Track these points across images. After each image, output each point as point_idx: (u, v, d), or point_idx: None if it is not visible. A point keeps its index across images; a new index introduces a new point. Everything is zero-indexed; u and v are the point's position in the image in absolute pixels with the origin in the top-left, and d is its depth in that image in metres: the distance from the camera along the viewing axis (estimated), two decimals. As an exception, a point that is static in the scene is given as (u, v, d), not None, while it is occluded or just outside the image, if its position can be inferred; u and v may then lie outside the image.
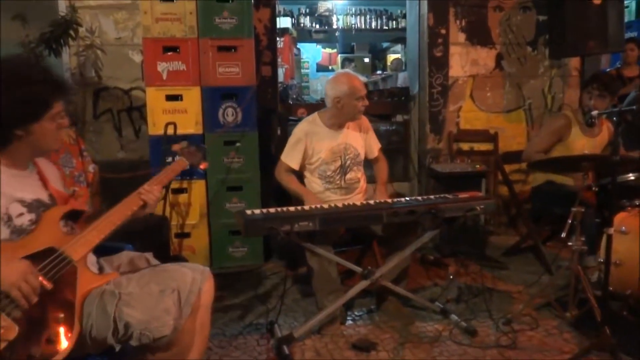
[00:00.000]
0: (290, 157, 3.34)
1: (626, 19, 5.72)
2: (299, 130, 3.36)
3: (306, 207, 2.91)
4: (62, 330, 1.64)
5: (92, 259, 1.89)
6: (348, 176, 3.34)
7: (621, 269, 2.82)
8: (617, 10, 4.42)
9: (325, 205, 2.96)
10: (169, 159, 3.69)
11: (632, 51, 5.31)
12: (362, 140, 3.43)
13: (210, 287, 2.05)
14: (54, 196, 1.91)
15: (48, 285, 1.63)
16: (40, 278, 1.62)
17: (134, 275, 1.86)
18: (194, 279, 1.88)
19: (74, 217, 1.91)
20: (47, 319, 1.63)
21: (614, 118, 2.63)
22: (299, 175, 3.42)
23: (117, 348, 1.75)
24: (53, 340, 1.61)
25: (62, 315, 1.66)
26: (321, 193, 3.35)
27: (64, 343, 1.62)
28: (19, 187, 1.79)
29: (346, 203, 3.03)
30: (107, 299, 1.75)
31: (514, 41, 5.08)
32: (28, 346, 1.56)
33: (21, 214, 1.75)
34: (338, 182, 3.33)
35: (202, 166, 2.40)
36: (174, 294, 1.79)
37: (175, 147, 2.37)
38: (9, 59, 1.85)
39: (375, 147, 3.52)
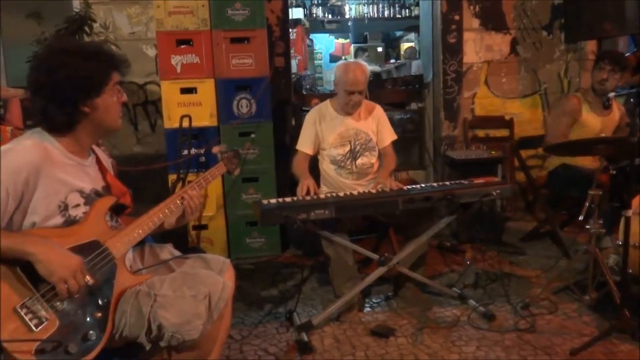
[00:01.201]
0: (303, 143, 3.37)
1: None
2: (309, 116, 3.42)
3: (322, 196, 2.93)
4: (98, 328, 1.68)
5: (129, 254, 1.93)
6: (359, 161, 3.33)
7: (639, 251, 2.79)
8: (634, -9, 4.35)
9: (341, 193, 2.98)
10: (185, 152, 3.75)
11: None
12: (374, 126, 3.41)
13: (231, 278, 2.08)
14: (110, 186, 1.93)
15: (90, 280, 1.66)
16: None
17: (167, 277, 1.89)
18: (225, 286, 1.91)
19: (118, 211, 1.93)
20: (85, 315, 1.66)
21: (632, 99, 2.59)
22: (315, 163, 3.45)
23: (148, 347, 1.79)
24: (88, 338, 1.64)
25: (99, 313, 1.69)
26: (334, 178, 3.37)
27: (98, 341, 1.66)
28: (81, 176, 1.81)
29: (361, 190, 3.05)
30: (143, 300, 1.77)
31: (529, 26, 5.02)
32: (66, 341, 1.59)
33: (77, 205, 1.76)
34: (349, 167, 3.33)
35: (236, 172, 2.40)
36: (206, 299, 1.82)
37: (215, 149, 2.37)
38: (60, 42, 1.89)
39: (387, 137, 3.44)
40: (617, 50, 4.51)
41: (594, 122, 3.66)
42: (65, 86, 1.70)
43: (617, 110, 3.73)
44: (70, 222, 1.74)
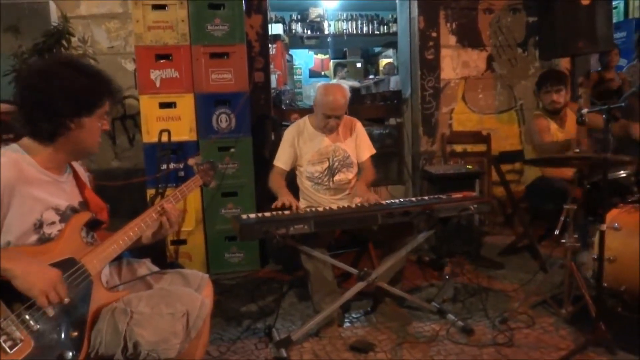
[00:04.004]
0: (281, 159, 3.38)
1: (615, 20, 5.79)
2: (288, 133, 3.42)
3: (300, 211, 2.92)
4: (73, 347, 1.64)
5: (105, 269, 1.90)
6: (337, 177, 3.35)
7: (615, 265, 2.83)
8: (605, 10, 4.49)
9: (320, 208, 2.98)
10: (164, 167, 3.72)
11: (616, 56, 5.43)
12: (353, 142, 3.44)
13: (209, 294, 2.07)
14: (88, 201, 1.91)
15: (67, 299, 1.63)
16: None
17: (144, 294, 1.87)
18: (204, 304, 1.89)
19: (93, 227, 1.90)
20: (60, 335, 1.63)
21: (603, 116, 2.66)
22: (293, 177, 3.44)
23: None
24: (64, 358, 1.61)
25: (75, 332, 1.66)
26: (312, 193, 3.39)
27: None
28: (56, 193, 1.79)
29: (340, 205, 3.05)
30: (119, 317, 1.75)
31: (505, 43, 5.12)
32: None
33: (53, 223, 1.74)
34: (326, 183, 3.35)
35: (212, 184, 2.39)
36: (184, 318, 1.80)
37: (191, 161, 2.36)
38: (66, 56, 1.89)
39: (364, 152, 3.45)
40: (553, 69, 4.68)
41: (559, 135, 3.85)
42: (61, 96, 1.70)
43: (573, 115, 3.88)
44: (44, 240, 1.71)
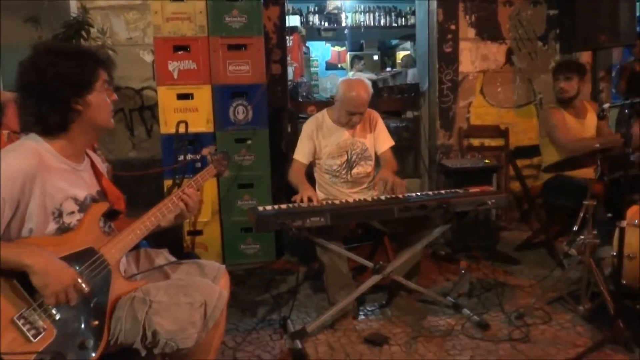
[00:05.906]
0: (300, 153, 3.36)
1: (638, 13, 5.68)
2: (307, 127, 3.40)
3: (316, 203, 2.92)
4: (94, 336, 1.67)
5: (122, 259, 1.91)
6: (355, 171, 3.33)
7: (634, 262, 2.80)
8: (628, 3, 4.40)
9: (336, 201, 2.98)
10: (181, 158, 3.74)
11: None
12: (371, 135, 3.41)
13: (226, 284, 2.08)
14: (105, 191, 1.92)
15: (86, 289, 1.65)
16: (80, 280, 1.64)
17: (163, 284, 1.88)
18: (221, 295, 1.90)
19: (111, 216, 1.91)
20: (81, 323, 1.65)
21: (626, 110, 2.61)
22: (310, 170, 3.45)
23: (143, 353, 1.77)
24: (86, 346, 1.63)
25: (95, 321, 1.68)
26: (329, 186, 3.39)
27: (95, 349, 1.65)
28: (76, 182, 1.80)
29: (357, 198, 3.05)
30: (138, 306, 1.76)
31: (524, 36, 5.06)
32: (64, 351, 1.57)
33: (72, 213, 1.75)
34: (344, 176, 3.34)
35: (225, 174, 2.40)
36: (202, 308, 1.81)
37: (205, 151, 2.39)
38: (43, 44, 1.92)
39: (383, 143, 3.41)
40: (569, 59, 4.60)
41: (577, 126, 3.77)
42: (56, 84, 1.70)
43: (592, 111, 3.82)
44: (63, 230, 1.72)
